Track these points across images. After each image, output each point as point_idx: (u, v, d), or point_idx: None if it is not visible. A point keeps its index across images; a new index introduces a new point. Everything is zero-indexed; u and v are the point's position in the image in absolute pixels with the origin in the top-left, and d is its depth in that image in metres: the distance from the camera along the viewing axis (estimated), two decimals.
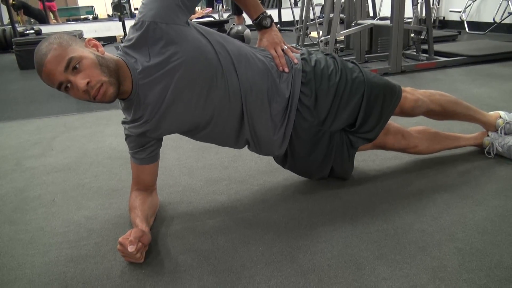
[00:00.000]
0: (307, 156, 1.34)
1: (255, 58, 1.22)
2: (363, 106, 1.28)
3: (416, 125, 1.57)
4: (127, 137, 1.24)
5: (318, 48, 3.53)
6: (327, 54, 1.35)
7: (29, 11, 8.61)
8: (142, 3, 1.11)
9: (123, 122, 1.23)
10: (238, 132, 1.26)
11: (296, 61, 1.27)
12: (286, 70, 1.25)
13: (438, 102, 1.44)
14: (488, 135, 1.57)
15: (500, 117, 1.55)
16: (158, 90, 1.11)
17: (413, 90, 1.42)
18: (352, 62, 1.36)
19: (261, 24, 1.30)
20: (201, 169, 1.69)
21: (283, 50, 1.28)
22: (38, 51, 1.03)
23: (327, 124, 1.28)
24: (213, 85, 1.14)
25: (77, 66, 1.01)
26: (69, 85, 1.03)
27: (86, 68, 1.02)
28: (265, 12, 1.30)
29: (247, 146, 1.35)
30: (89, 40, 1.11)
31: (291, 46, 1.33)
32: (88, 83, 1.01)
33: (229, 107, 1.19)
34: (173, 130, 1.23)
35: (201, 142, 1.32)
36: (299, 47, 4.70)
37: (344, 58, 1.37)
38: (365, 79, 1.29)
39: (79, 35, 5.43)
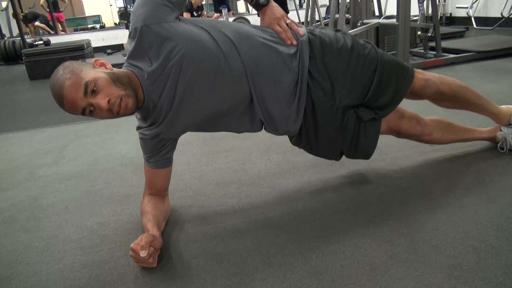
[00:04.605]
0: (322, 131, 1.30)
1: (256, 35, 1.20)
2: (375, 81, 1.24)
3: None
4: (143, 141, 1.25)
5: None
6: (337, 30, 1.32)
7: (41, 19, 8.79)
8: (131, 13, 1.14)
9: (138, 128, 1.25)
10: (251, 113, 1.24)
11: (302, 33, 1.25)
12: (294, 42, 1.23)
13: (448, 85, 1.40)
14: (500, 130, 1.54)
15: None
16: (167, 88, 1.13)
17: (422, 71, 1.40)
18: (365, 40, 1.32)
19: (258, 3, 1.27)
20: (211, 173, 1.69)
21: (287, 24, 1.26)
22: (54, 85, 1.05)
23: (338, 99, 1.24)
24: (219, 72, 1.14)
25: (95, 88, 1.04)
26: (92, 108, 1.06)
27: (103, 87, 1.05)
28: None
29: (264, 128, 1.33)
30: (96, 60, 1.14)
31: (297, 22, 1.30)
32: (109, 101, 1.04)
33: (237, 90, 1.18)
34: (188, 126, 1.23)
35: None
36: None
37: None
38: (378, 56, 1.26)
39: (87, 44, 5.50)
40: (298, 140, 1.39)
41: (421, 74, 1.37)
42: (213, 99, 1.17)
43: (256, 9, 1.30)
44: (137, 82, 1.12)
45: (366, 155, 1.38)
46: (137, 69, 1.12)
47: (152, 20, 1.08)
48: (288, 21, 1.27)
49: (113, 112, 1.07)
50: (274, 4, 1.29)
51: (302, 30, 1.27)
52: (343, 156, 1.41)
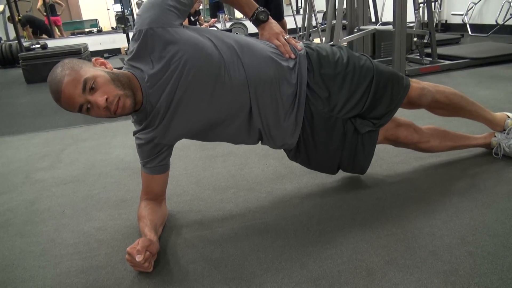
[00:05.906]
0: (321, 143, 1.32)
1: (258, 47, 1.24)
2: (371, 91, 1.28)
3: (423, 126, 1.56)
4: (139, 146, 1.26)
5: None
6: (332, 45, 1.37)
7: (35, 25, 8.74)
8: (137, 15, 1.15)
9: (135, 132, 1.25)
10: (248, 124, 1.26)
11: (299, 47, 1.30)
12: (293, 56, 1.27)
13: (444, 94, 1.43)
14: (495, 136, 1.56)
15: (509, 117, 1.55)
16: (166, 92, 1.13)
17: (418, 80, 1.43)
18: (360, 53, 1.37)
19: (258, 19, 1.31)
20: (209, 178, 1.70)
21: (285, 39, 1.30)
22: (52, 80, 1.05)
23: (336, 110, 1.28)
24: (219, 80, 1.15)
25: (93, 85, 1.04)
26: (89, 105, 1.06)
27: (102, 85, 1.05)
28: (259, 7, 1.32)
29: (260, 141, 1.35)
30: (96, 59, 1.15)
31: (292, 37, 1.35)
32: (107, 99, 1.04)
33: (236, 100, 1.19)
34: (184, 132, 1.23)
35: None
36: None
37: None
38: (374, 66, 1.30)
39: (84, 48, 5.50)
40: (296, 153, 1.40)
41: (417, 84, 1.40)
42: (211, 106, 1.17)
43: (256, 25, 1.34)
44: (137, 84, 1.12)
45: (362, 169, 1.41)
46: (138, 70, 1.13)
47: (157, 23, 1.10)
48: (286, 37, 1.31)
49: (110, 111, 1.07)
50: (273, 20, 1.34)
51: (300, 44, 1.32)
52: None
